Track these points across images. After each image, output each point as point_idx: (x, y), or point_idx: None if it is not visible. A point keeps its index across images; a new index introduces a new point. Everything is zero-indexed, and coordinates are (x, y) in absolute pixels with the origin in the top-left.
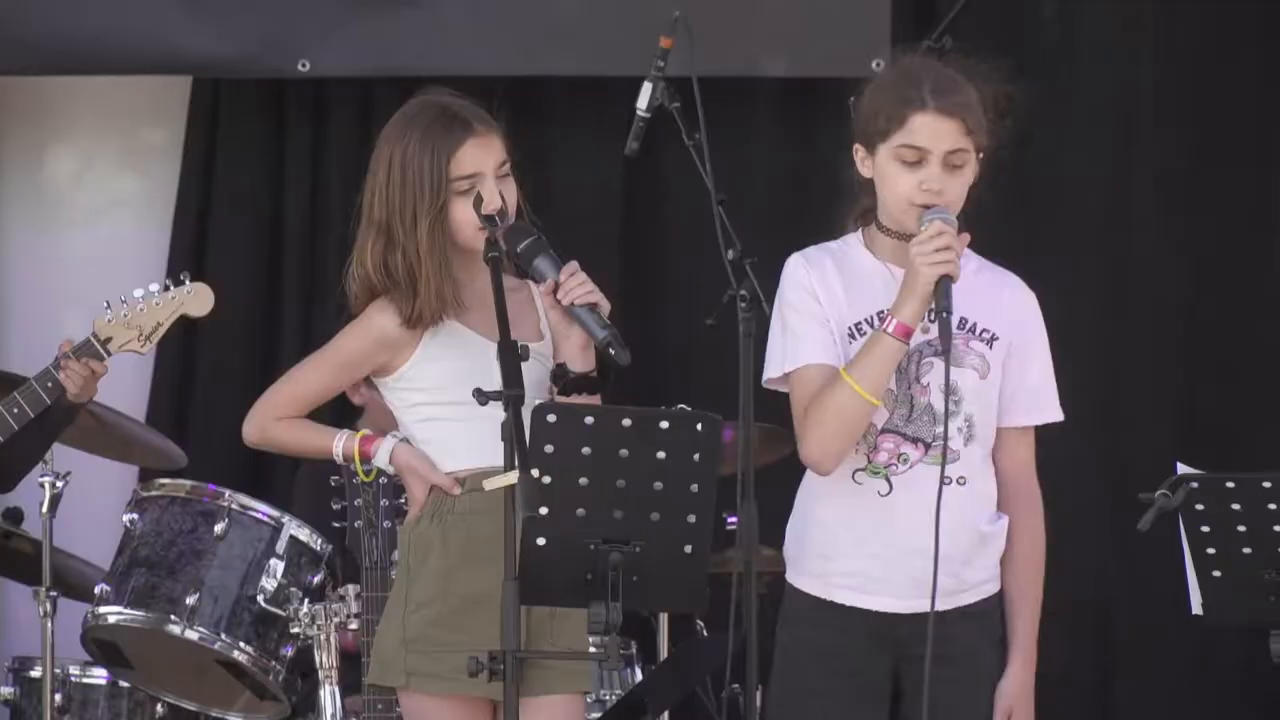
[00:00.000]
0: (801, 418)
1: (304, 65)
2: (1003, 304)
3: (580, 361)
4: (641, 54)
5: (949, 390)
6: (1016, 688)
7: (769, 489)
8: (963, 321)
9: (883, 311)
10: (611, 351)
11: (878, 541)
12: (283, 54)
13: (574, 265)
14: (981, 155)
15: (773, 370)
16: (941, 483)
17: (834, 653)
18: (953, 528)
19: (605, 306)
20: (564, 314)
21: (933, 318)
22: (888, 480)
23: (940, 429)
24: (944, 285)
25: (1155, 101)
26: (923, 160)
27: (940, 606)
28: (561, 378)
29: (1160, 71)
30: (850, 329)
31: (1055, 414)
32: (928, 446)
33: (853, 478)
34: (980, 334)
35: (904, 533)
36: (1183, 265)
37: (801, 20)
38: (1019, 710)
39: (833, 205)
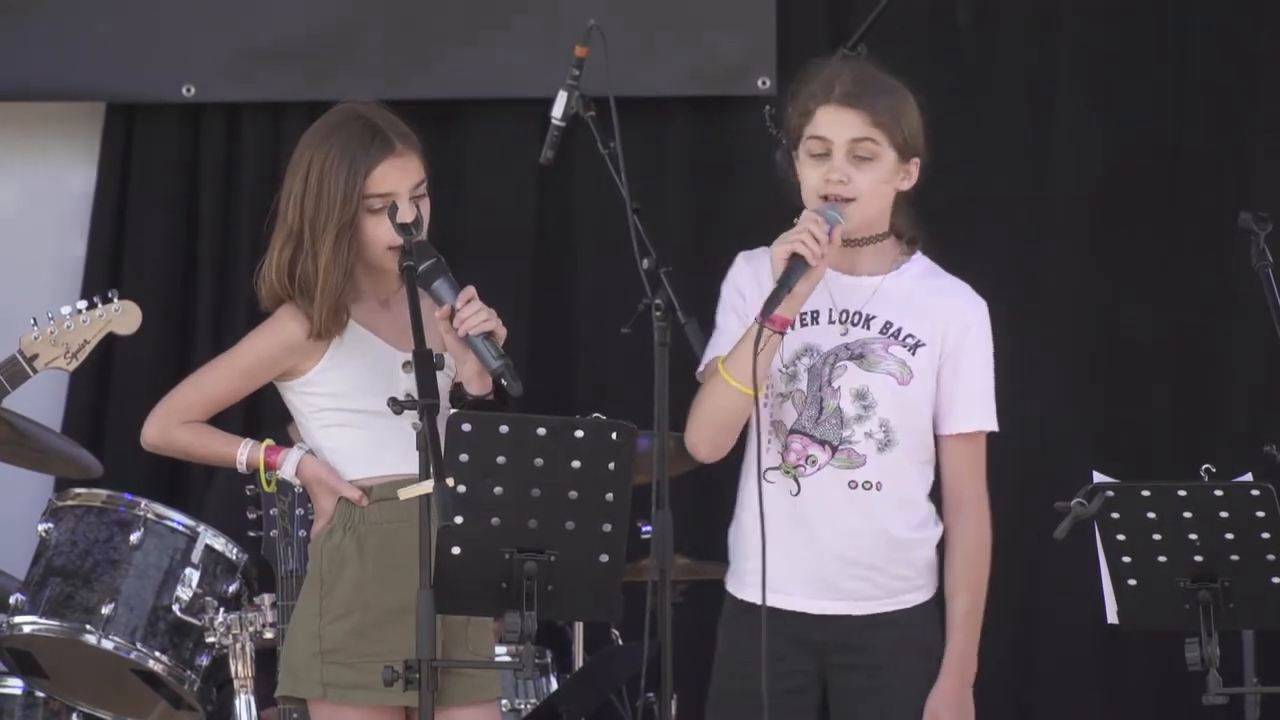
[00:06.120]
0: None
1: (188, 90)
2: (937, 310)
3: (477, 385)
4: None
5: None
6: (942, 701)
7: (684, 498)
8: (886, 326)
9: (815, 311)
10: (504, 382)
11: (788, 541)
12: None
13: (470, 292)
14: (916, 159)
15: (701, 365)
16: (761, 481)
17: (756, 655)
18: (861, 531)
19: (501, 333)
20: (458, 341)
21: (836, 318)
22: (797, 481)
23: (847, 432)
24: (793, 263)
25: (1074, 108)
26: (828, 151)
27: (856, 611)
28: (459, 400)
29: (1078, 77)
30: None
31: (986, 423)
32: (835, 449)
33: (765, 476)
34: (904, 339)
35: (812, 535)
36: (1101, 273)
37: (691, 41)
38: None
39: (746, 214)
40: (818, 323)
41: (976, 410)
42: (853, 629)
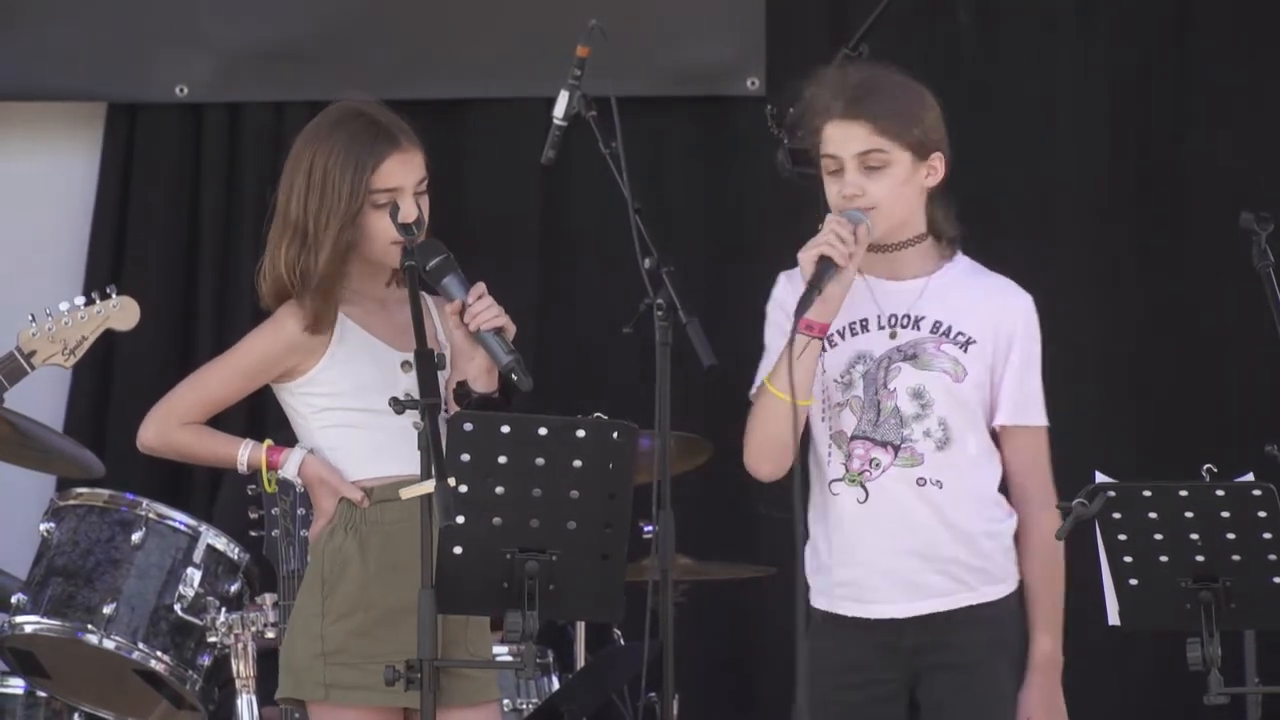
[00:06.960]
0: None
1: (181, 90)
2: (987, 308)
3: (483, 382)
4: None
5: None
6: (1035, 698)
7: (685, 497)
8: (936, 325)
9: (864, 320)
10: (514, 377)
11: (864, 549)
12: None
13: (481, 287)
14: (938, 154)
15: (753, 389)
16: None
17: (846, 666)
18: (932, 526)
19: (511, 330)
20: (468, 335)
21: (884, 324)
22: (863, 488)
23: (907, 431)
24: (822, 266)
25: (1074, 108)
26: (841, 168)
27: (943, 606)
28: (465, 398)
29: (1080, 75)
30: (827, 339)
31: (1036, 417)
32: (897, 450)
33: (830, 489)
34: (955, 337)
35: (888, 537)
36: (1101, 273)
37: (681, 42)
38: None
39: (745, 214)
40: (867, 330)
41: (1024, 405)
42: (942, 627)
